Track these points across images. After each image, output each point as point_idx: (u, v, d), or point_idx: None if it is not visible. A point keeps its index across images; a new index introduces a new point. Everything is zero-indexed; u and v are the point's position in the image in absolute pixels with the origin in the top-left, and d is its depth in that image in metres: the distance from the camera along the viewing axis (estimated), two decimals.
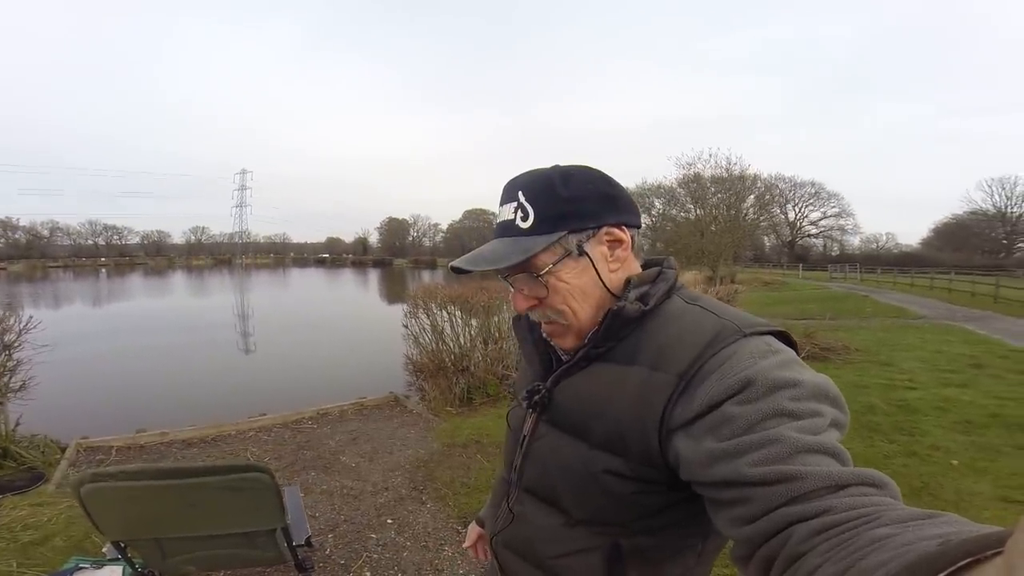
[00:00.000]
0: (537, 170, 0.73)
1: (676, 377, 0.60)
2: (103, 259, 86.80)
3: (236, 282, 40.16)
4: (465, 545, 1.15)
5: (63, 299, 24.89)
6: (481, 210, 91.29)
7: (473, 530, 1.13)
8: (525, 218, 0.68)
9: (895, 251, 56.88)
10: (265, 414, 5.32)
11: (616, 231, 0.70)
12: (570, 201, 0.68)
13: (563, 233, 0.68)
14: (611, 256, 0.70)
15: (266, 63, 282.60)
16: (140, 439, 4.56)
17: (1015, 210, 50.63)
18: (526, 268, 0.69)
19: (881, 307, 14.90)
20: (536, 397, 0.74)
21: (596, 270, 0.69)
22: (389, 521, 3.08)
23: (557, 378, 0.73)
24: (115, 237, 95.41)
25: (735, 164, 25.81)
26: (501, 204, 0.72)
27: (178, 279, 44.84)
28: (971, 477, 3.27)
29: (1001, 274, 22.35)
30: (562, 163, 0.73)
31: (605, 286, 0.70)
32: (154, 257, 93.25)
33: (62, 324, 13.79)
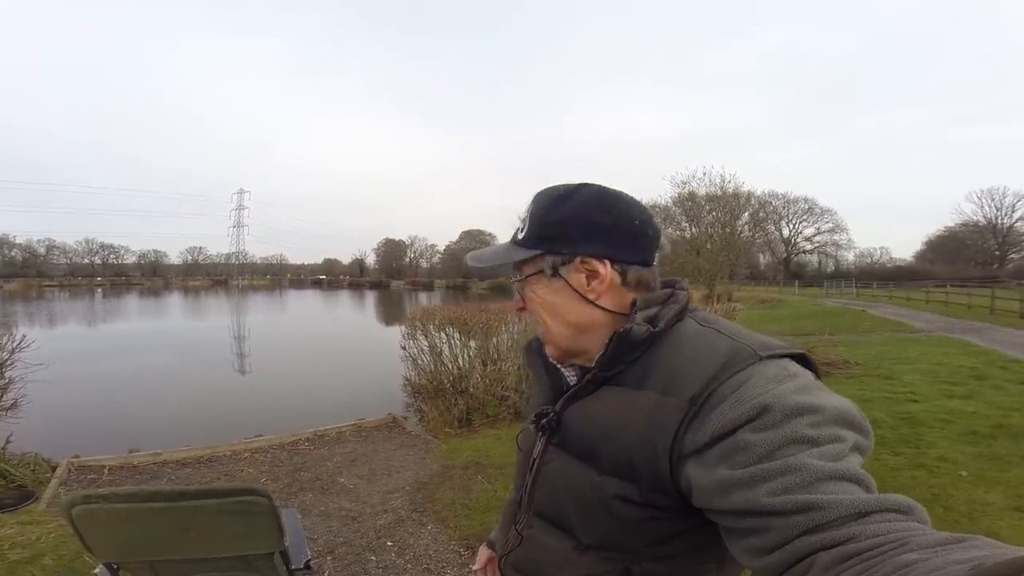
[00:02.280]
0: (555, 186, 0.74)
1: (688, 402, 0.58)
2: (99, 278, 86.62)
3: (233, 303, 40.02)
4: (475, 568, 1.12)
5: (58, 319, 24.77)
6: (479, 231, 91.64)
7: (483, 552, 1.11)
8: (522, 229, 0.73)
9: (889, 265, 57.27)
10: (261, 435, 5.26)
11: (593, 262, 0.68)
12: (553, 224, 0.70)
13: (539, 252, 0.71)
14: (587, 287, 0.69)
15: (266, 83, 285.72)
16: (133, 459, 4.49)
17: (1005, 221, 51.19)
18: (519, 274, 0.75)
19: (879, 321, 14.95)
20: (544, 421, 0.74)
21: (579, 294, 0.69)
22: (389, 543, 3.01)
23: (566, 402, 0.72)
24: (111, 256, 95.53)
25: (729, 182, 26.14)
26: (525, 211, 0.76)
27: (174, 300, 44.67)
28: (982, 487, 3.23)
29: (996, 285, 22.45)
30: (594, 182, 0.73)
31: (600, 307, 0.69)
32: (150, 277, 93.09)
33: (56, 343, 13.68)
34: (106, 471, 4.29)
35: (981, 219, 52.54)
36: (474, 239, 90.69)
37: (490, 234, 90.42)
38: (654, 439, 0.59)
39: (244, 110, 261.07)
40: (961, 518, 2.84)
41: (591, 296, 0.69)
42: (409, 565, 2.77)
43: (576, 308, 0.70)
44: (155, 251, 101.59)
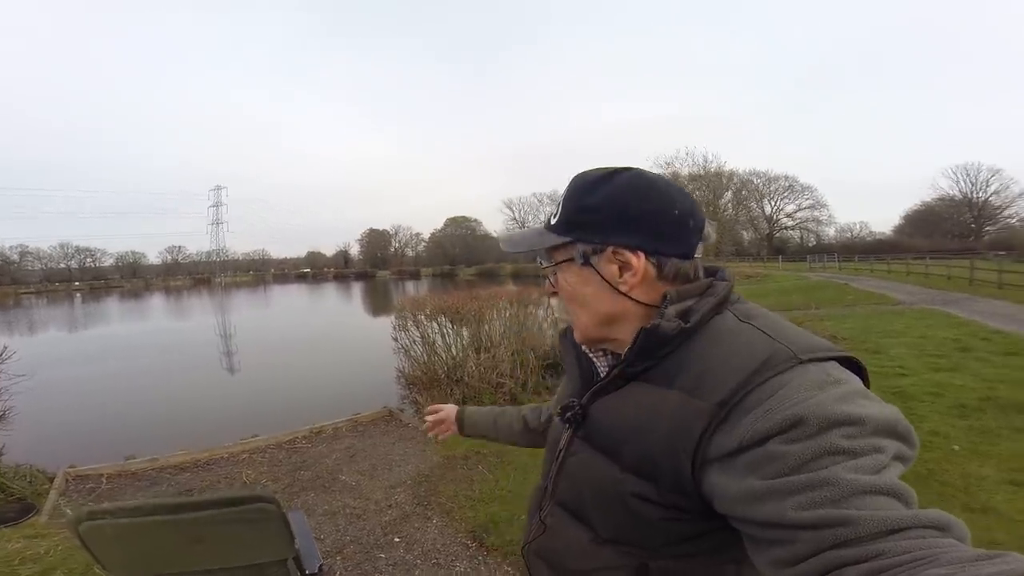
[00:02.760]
0: (593, 170, 0.71)
1: (716, 406, 0.55)
2: (77, 283, 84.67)
3: (216, 301, 39.44)
4: (429, 419, 1.28)
5: (38, 326, 24.21)
6: (463, 218, 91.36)
7: (449, 410, 1.27)
8: (555, 215, 0.72)
9: (869, 239, 58.11)
10: (257, 435, 5.21)
11: (626, 254, 0.66)
12: (586, 211, 0.68)
13: (571, 239, 0.69)
14: (620, 278, 0.66)
15: (241, 76, 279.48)
16: (130, 466, 4.43)
17: (980, 195, 52.35)
18: (550, 259, 0.74)
19: (862, 294, 15.20)
20: (570, 413, 0.72)
21: (610, 284, 0.67)
22: (397, 539, 3.01)
23: (593, 395, 0.71)
24: (88, 259, 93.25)
25: (711, 161, 26.26)
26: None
27: (156, 301, 43.84)
28: (975, 461, 3.29)
29: (974, 257, 22.94)
30: (634, 166, 0.70)
31: (632, 299, 0.67)
32: (130, 279, 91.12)
33: (39, 351, 13.40)
34: (104, 479, 4.23)
35: (957, 194, 53.79)
36: (459, 226, 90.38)
37: (475, 220, 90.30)
38: (677, 441, 0.58)
39: (217, 107, 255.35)
40: (958, 492, 2.90)
41: (623, 288, 0.67)
42: (419, 561, 2.77)
43: (606, 298, 0.68)
44: (133, 252, 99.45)
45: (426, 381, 7.04)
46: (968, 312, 10.20)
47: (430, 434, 1.30)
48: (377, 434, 5.35)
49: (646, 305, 0.67)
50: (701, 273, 0.69)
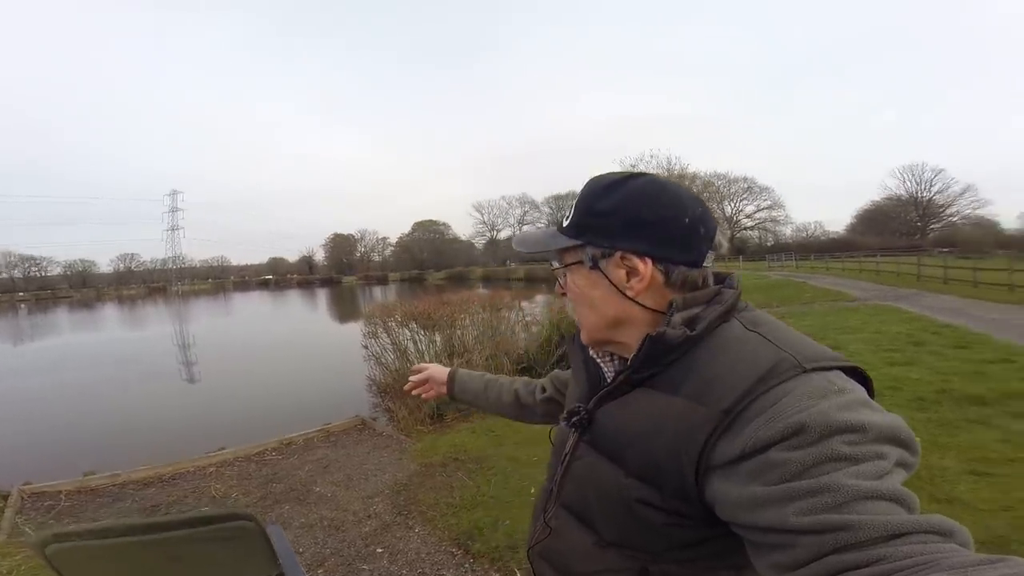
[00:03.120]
0: (607, 174, 0.72)
1: (721, 414, 0.55)
2: (22, 293, 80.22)
3: (174, 311, 38.00)
4: (413, 378, 1.27)
5: None
6: (432, 221, 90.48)
7: (439, 371, 1.26)
8: (567, 217, 0.73)
9: (823, 238, 60.56)
10: (224, 448, 5.05)
11: (633, 259, 0.66)
12: (597, 214, 0.69)
13: (581, 243, 0.70)
14: (627, 283, 0.67)
15: (200, 77, 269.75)
16: (90, 482, 4.22)
17: (925, 195, 55.30)
18: (561, 261, 0.75)
19: (819, 292, 15.78)
20: (576, 418, 0.73)
21: (617, 288, 0.68)
22: (379, 550, 2.95)
23: (599, 400, 0.71)
24: (33, 268, 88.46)
25: (675, 164, 26.82)
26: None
27: (109, 311, 41.97)
28: (936, 453, 3.42)
29: (921, 254, 24.16)
30: (647, 172, 0.72)
31: (639, 304, 0.67)
32: (80, 289, 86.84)
33: None
34: (63, 497, 4.02)
35: (904, 193, 56.71)
36: (427, 230, 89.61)
37: (444, 223, 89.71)
38: (682, 448, 0.58)
39: (172, 109, 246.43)
40: (924, 484, 3.01)
41: (629, 293, 0.67)
42: (404, 571, 2.72)
43: (613, 302, 0.69)
44: (83, 261, 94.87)
45: (398, 389, 6.93)
46: (919, 307, 10.71)
47: (413, 392, 1.29)
48: (350, 444, 5.25)
49: (653, 311, 0.67)
50: (711, 281, 0.70)
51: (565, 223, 0.73)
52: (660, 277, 0.66)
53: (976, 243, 39.97)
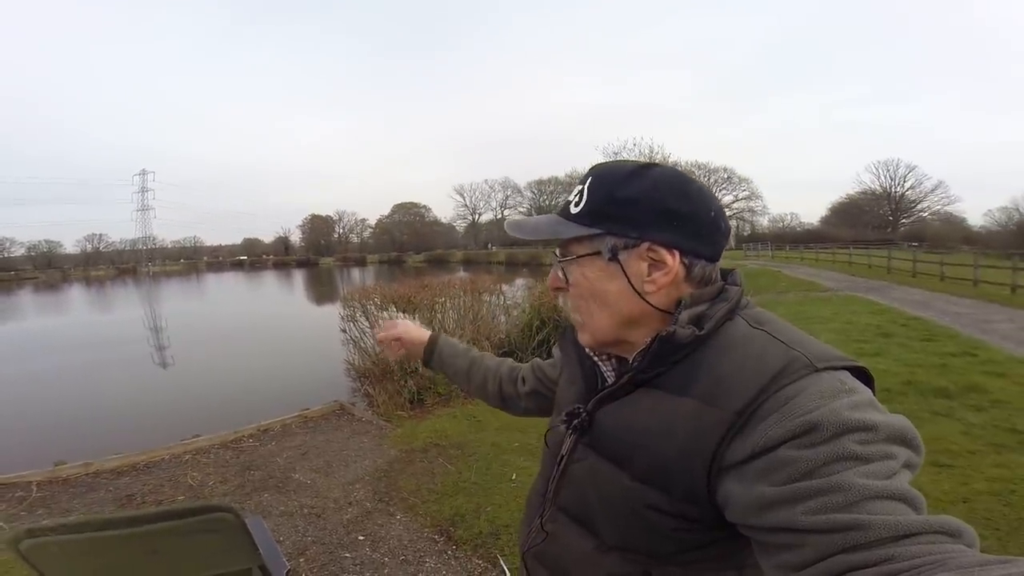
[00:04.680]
0: (619, 162, 0.69)
1: (734, 415, 0.55)
2: None
3: (144, 292, 36.99)
4: (380, 335, 1.18)
5: None
6: (412, 203, 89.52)
7: (414, 332, 1.18)
8: (578, 204, 0.68)
9: (799, 229, 61.78)
10: (199, 435, 4.94)
11: (662, 251, 0.63)
12: (621, 203, 0.64)
13: (600, 232, 0.65)
14: (648, 276, 0.64)
15: (175, 53, 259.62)
16: (61, 472, 4.09)
17: (898, 190, 56.81)
18: (564, 251, 0.70)
19: (794, 281, 16.15)
20: (575, 421, 0.70)
21: (631, 283, 0.64)
22: (361, 538, 2.94)
23: (599, 401, 0.69)
24: None
25: (657, 153, 26.96)
26: (578, 183, 0.71)
27: (76, 293, 40.62)
28: None
29: (891, 247, 24.82)
30: (660, 163, 0.69)
31: (648, 303, 0.65)
32: (45, 270, 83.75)
33: None
34: (34, 487, 3.89)
35: (877, 188, 58.20)
36: (407, 212, 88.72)
37: (424, 206, 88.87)
38: (693, 451, 0.57)
39: (145, 89, 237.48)
40: None
41: (648, 288, 0.64)
42: (386, 559, 2.72)
43: (628, 299, 0.65)
44: (47, 241, 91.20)
45: (378, 373, 6.88)
46: (888, 299, 11.03)
47: (379, 346, 1.21)
48: (329, 429, 5.19)
49: (661, 309, 0.65)
50: (717, 275, 0.68)
51: (575, 209, 0.67)
52: (683, 271, 0.65)
53: (944, 238, 41.34)
